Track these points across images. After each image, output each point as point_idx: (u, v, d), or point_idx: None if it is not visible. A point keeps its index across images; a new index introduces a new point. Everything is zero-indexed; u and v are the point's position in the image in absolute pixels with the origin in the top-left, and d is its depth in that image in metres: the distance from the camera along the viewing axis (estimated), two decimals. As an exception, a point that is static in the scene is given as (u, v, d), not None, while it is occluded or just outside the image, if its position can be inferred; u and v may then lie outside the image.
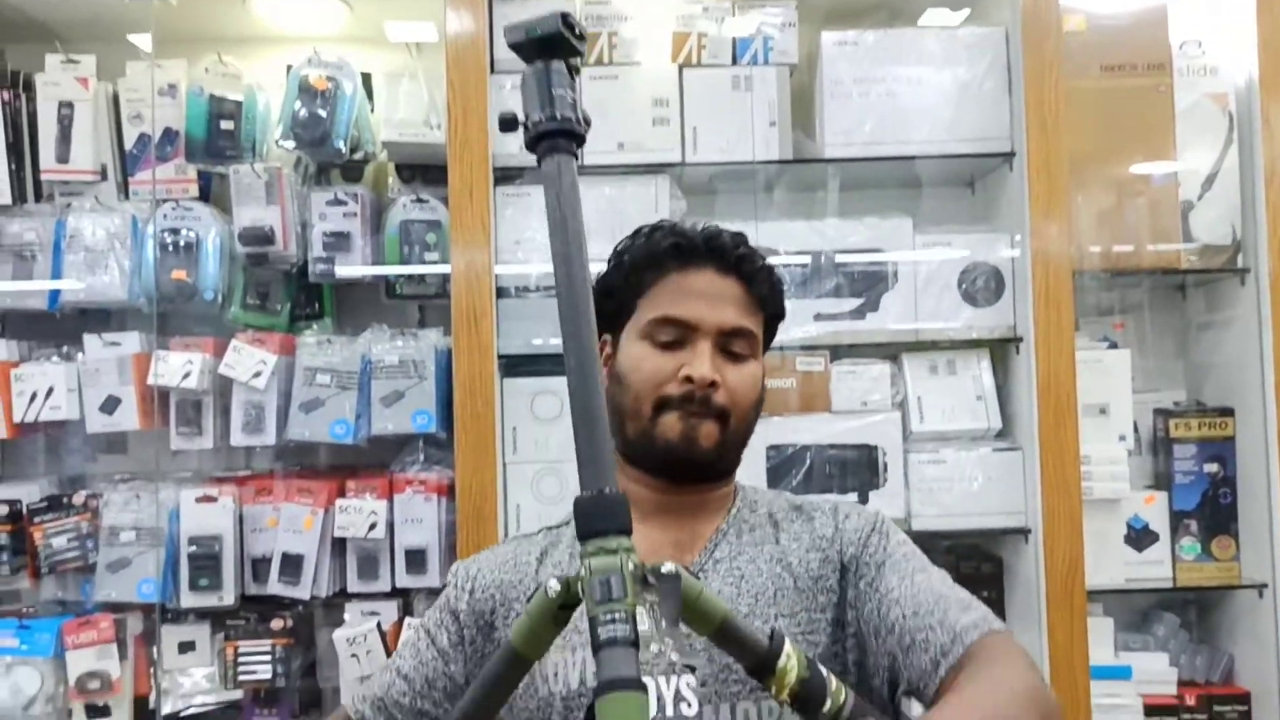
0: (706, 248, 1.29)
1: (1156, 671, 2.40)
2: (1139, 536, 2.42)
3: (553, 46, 0.98)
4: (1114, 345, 2.51)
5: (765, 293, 1.31)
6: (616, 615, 0.83)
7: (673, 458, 1.26)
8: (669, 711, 1.17)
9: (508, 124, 1.00)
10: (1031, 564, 2.31)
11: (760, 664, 1.04)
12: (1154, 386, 2.60)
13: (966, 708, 0.98)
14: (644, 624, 0.87)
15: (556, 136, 0.98)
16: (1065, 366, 2.27)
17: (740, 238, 1.32)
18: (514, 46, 0.99)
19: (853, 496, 2.35)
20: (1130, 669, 2.35)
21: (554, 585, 0.93)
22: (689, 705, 1.18)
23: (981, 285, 2.39)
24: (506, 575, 1.31)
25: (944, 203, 2.60)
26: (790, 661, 1.04)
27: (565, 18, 0.97)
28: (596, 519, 0.88)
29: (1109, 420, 2.39)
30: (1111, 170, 2.47)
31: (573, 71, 1.00)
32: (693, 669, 1.18)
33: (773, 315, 1.35)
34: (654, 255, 1.29)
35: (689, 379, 1.24)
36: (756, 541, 1.29)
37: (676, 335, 1.26)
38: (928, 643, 1.12)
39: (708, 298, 1.27)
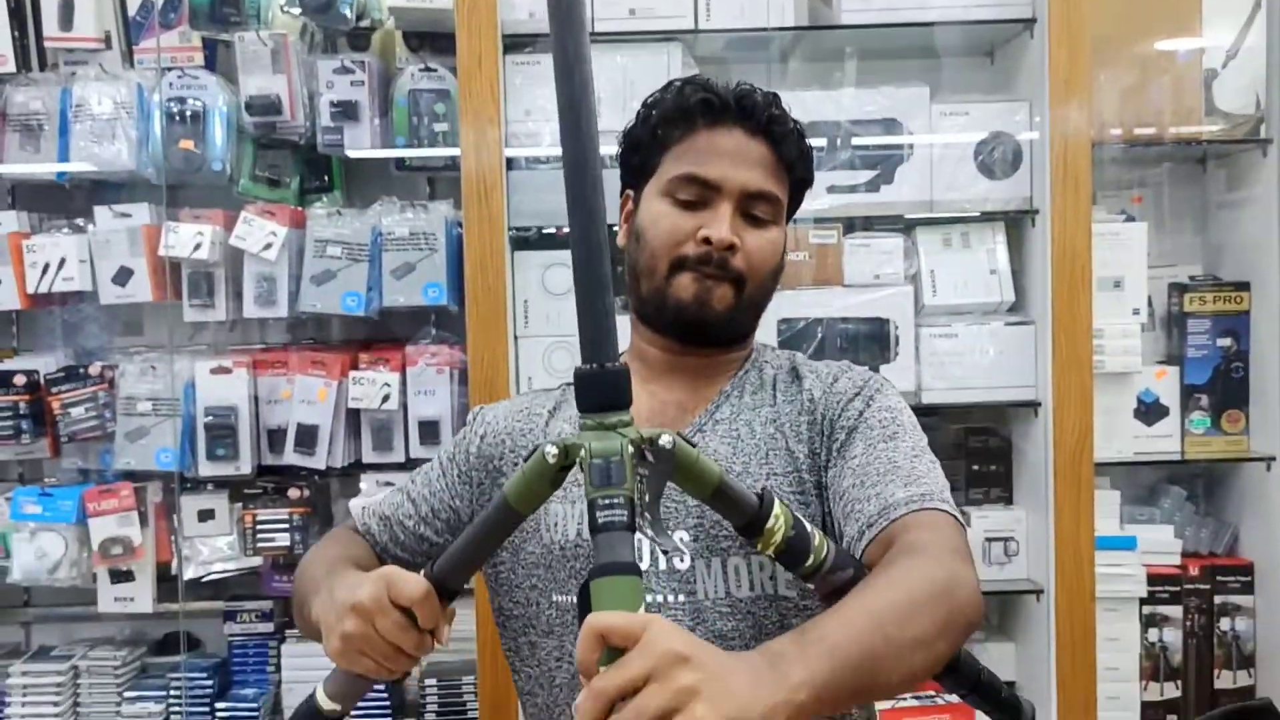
0: (737, 106, 1.26)
1: (1161, 543, 2.43)
2: (1149, 410, 2.43)
3: None
4: (1131, 219, 2.48)
5: (794, 157, 1.28)
6: (614, 500, 0.85)
7: (684, 319, 1.25)
8: (661, 565, 1.20)
9: None
10: (1040, 438, 2.32)
11: (750, 524, 1.05)
12: (1170, 262, 2.58)
13: (858, 610, 0.92)
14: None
15: None
16: (1081, 238, 2.24)
17: (772, 98, 1.28)
18: None
19: (875, 373, 2.35)
20: (1135, 540, 2.38)
21: (551, 450, 0.92)
22: (681, 559, 1.20)
23: (999, 157, 2.36)
24: (518, 424, 1.32)
25: (962, 73, 2.54)
26: (778, 522, 1.05)
27: None
28: (597, 393, 0.88)
29: (1123, 294, 2.37)
30: (1134, 48, 2.42)
31: None
32: (669, 551, 1.20)
33: (800, 181, 1.32)
34: (683, 110, 1.26)
35: (707, 240, 1.22)
36: (756, 404, 1.29)
37: (698, 194, 1.24)
38: (860, 513, 1.12)
39: (733, 158, 1.24)
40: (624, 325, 1.22)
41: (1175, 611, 2.43)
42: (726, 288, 1.24)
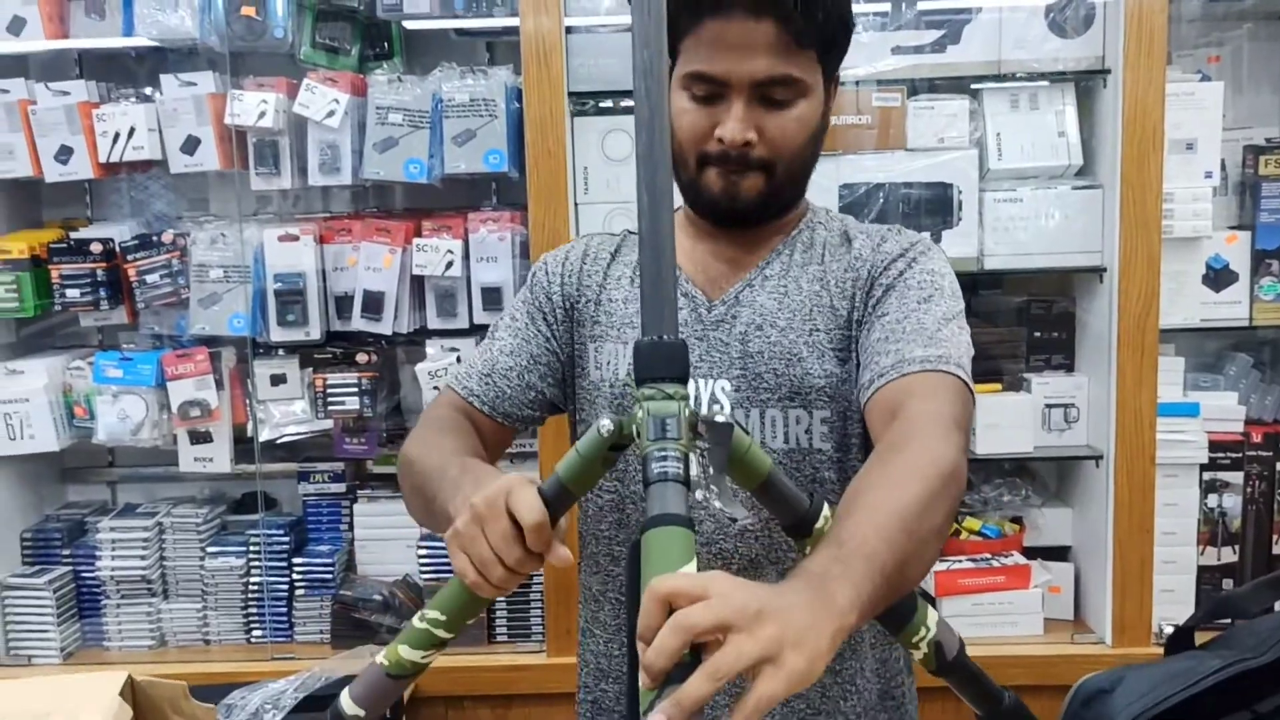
0: None
1: (1224, 410, 2.42)
2: (1218, 276, 2.39)
3: None
4: (1207, 79, 2.40)
5: (802, 28, 1.20)
6: (669, 453, 0.84)
7: (718, 210, 1.27)
8: (703, 410, 1.21)
9: None
10: (1105, 305, 2.30)
11: (799, 523, 1.04)
12: (1246, 124, 2.50)
13: (885, 512, 0.91)
14: (692, 469, 0.86)
15: None
16: (1154, 98, 2.19)
17: None
18: None
19: (925, 236, 2.33)
20: (1198, 406, 2.37)
21: (606, 425, 0.93)
22: (721, 408, 1.24)
23: (1070, 14, 2.29)
24: (584, 265, 1.35)
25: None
26: (828, 523, 1.03)
27: None
28: (655, 365, 0.88)
29: (1195, 156, 2.31)
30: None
31: None
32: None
33: (827, 41, 1.24)
34: (687, 1, 1.21)
35: (722, 139, 1.21)
36: (805, 262, 1.30)
37: (710, 90, 1.21)
38: (874, 363, 1.16)
39: (739, 49, 1.19)
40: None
41: (1236, 478, 2.42)
42: (755, 176, 1.23)
